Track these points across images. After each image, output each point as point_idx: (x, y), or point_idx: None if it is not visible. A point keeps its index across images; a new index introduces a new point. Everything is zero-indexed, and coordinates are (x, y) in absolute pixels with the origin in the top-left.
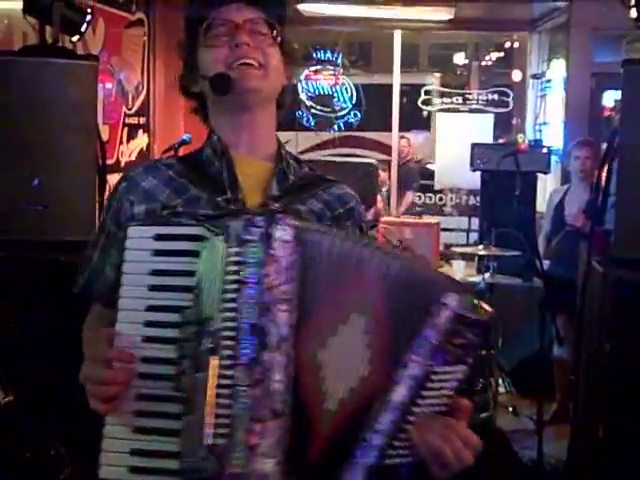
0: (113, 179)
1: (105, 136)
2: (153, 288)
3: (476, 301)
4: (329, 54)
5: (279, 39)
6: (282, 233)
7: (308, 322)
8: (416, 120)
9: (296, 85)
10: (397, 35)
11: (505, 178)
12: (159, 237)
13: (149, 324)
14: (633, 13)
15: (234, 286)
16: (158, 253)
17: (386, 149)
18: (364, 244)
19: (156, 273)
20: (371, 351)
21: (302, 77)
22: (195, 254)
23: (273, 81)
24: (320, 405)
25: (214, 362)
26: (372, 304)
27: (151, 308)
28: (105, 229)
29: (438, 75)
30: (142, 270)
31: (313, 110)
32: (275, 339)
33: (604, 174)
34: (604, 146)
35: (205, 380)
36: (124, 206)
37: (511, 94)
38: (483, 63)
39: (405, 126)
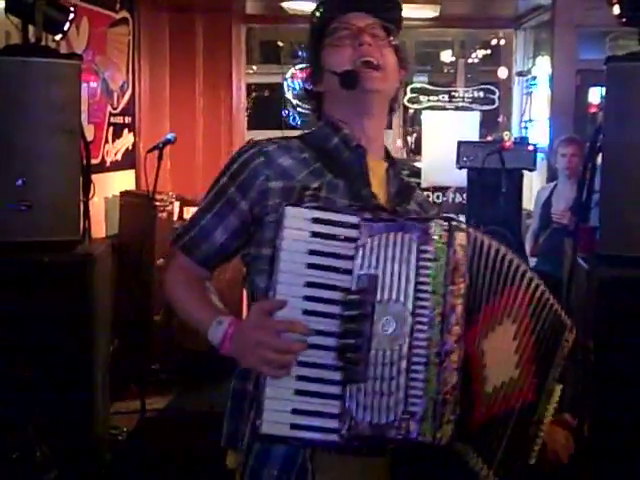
0: (98, 179)
1: (90, 136)
2: (311, 266)
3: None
4: None
5: (394, 43)
6: (461, 238)
7: (477, 315)
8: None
9: (281, 84)
10: None
11: (491, 176)
12: (317, 220)
13: (308, 298)
14: (616, 10)
15: (426, 279)
16: (315, 235)
17: None
18: (514, 253)
19: (313, 253)
20: (518, 356)
21: (288, 75)
22: (353, 240)
23: (391, 82)
24: (481, 386)
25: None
26: (521, 315)
27: (310, 284)
28: (226, 195)
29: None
30: (300, 249)
31: (299, 109)
32: (454, 327)
33: (589, 171)
34: (588, 143)
35: (395, 355)
36: (259, 179)
37: (497, 92)
38: (469, 60)
39: None
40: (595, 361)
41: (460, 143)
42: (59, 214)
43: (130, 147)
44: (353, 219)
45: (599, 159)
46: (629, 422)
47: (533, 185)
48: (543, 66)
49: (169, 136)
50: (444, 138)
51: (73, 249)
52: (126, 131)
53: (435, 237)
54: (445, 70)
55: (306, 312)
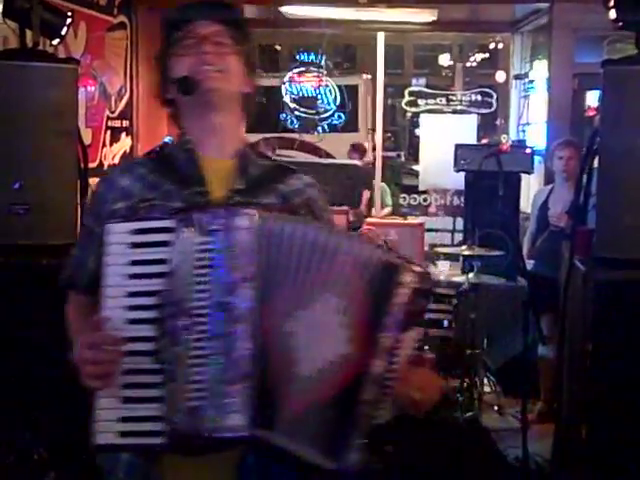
0: (96, 182)
1: (88, 139)
2: (132, 276)
3: (423, 272)
4: (312, 56)
5: (240, 49)
6: (242, 222)
7: (273, 298)
8: None
9: (279, 87)
10: (380, 37)
11: (489, 179)
12: (135, 231)
13: (130, 308)
14: (613, 14)
15: (204, 270)
16: (135, 245)
17: (315, 150)
18: (328, 230)
19: (135, 263)
20: (349, 331)
21: (286, 79)
22: (167, 244)
23: (233, 84)
24: (292, 369)
25: None
26: (347, 288)
27: (131, 294)
28: (87, 227)
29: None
30: (122, 261)
31: (297, 112)
32: (241, 313)
33: (585, 174)
34: (585, 146)
35: (182, 352)
36: (104, 205)
37: (495, 95)
38: (467, 64)
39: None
40: (592, 363)
41: (458, 146)
42: (56, 217)
43: (128, 150)
44: (167, 223)
45: (596, 162)
46: (626, 424)
47: (530, 188)
48: (540, 70)
49: (167, 139)
50: (442, 141)
51: (69, 252)
52: (124, 135)
53: (213, 226)
54: (443, 73)
55: (130, 321)
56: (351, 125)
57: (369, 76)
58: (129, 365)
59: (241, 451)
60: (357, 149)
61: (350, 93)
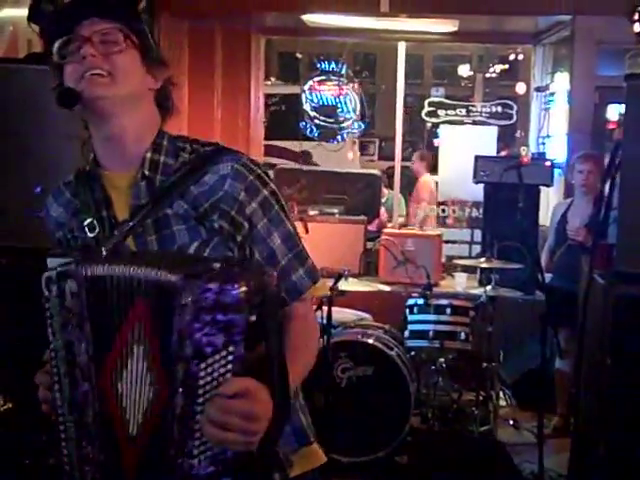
0: None
1: None
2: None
3: (224, 286)
4: (333, 65)
5: (136, 43)
6: (72, 286)
7: (105, 358)
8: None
9: (300, 95)
10: (401, 46)
11: (508, 191)
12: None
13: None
14: (636, 27)
15: (50, 334)
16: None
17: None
18: (142, 267)
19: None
20: (153, 374)
21: (306, 88)
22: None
23: (124, 87)
24: (125, 431)
25: None
26: (142, 329)
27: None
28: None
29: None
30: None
31: (317, 121)
32: (80, 381)
33: (607, 188)
34: (607, 160)
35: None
36: (52, 235)
37: (515, 107)
38: (487, 75)
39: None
40: (612, 378)
41: (477, 158)
42: None
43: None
44: (58, 263)
45: (618, 176)
46: None
47: (550, 201)
48: (561, 82)
49: None
50: (461, 152)
51: None
52: None
53: (47, 293)
54: (462, 84)
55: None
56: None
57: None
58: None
59: None
60: (424, 159)
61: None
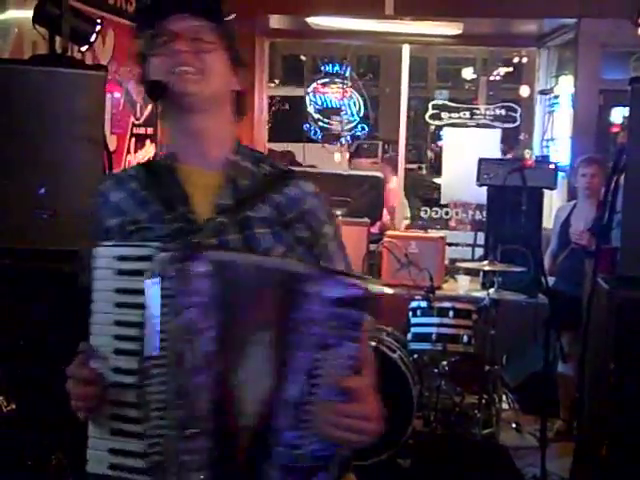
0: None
1: (113, 146)
2: (118, 305)
3: (345, 282)
4: (337, 67)
5: (224, 44)
6: (199, 266)
7: (225, 346)
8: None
9: (304, 97)
10: (405, 49)
11: (511, 193)
12: (121, 258)
13: (118, 337)
14: None
15: (165, 318)
16: (120, 272)
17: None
18: (269, 261)
19: (119, 291)
20: (271, 362)
21: (310, 90)
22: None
23: (212, 85)
24: (238, 422)
25: None
26: (268, 316)
27: (118, 323)
28: (92, 241)
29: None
30: (109, 288)
31: (320, 123)
32: (197, 364)
33: (611, 191)
34: (611, 163)
35: (149, 393)
36: (101, 220)
37: (519, 109)
38: (491, 78)
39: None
40: (615, 382)
41: (481, 160)
42: (80, 223)
43: (152, 158)
44: (146, 251)
45: (621, 179)
46: None
47: (553, 204)
48: (566, 85)
49: None
50: (465, 155)
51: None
52: (148, 142)
53: (169, 273)
54: (466, 87)
55: (117, 351)
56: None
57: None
58: (116, 397)
59: None
60: (390, 163)
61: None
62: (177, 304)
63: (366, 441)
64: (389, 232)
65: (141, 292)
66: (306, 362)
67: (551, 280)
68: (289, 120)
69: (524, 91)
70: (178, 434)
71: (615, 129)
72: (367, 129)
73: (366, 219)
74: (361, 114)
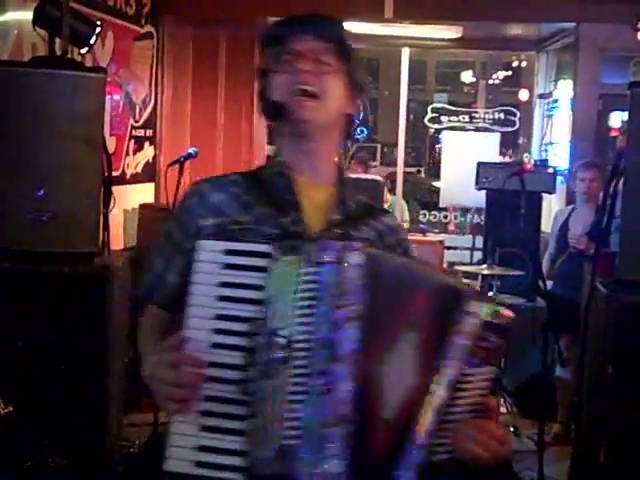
0: (117, 191)
1: (111, 148)
2: (222, 298)
3: (497, 308)
4: None
5: (344, 69)
6: (354, 258)
7: (371, 339)
8: None
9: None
10: (405, 52)
11: (510, 197)
12: (229, 252)
13: (217, 331)
14: None
15: (308, 302)
16: (227, 267)
17: None
18: (420, 267)
19: (225, 285)
20: (416, 362)
21: None
22: (263, 270)
23: (330, 111)
24: (379, 414)
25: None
26: (419, 319)
27: (219, 317)
28: (172, 239)
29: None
30: (211, 281)
31: None
32: (344, 353)
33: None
34: (609, 167)
35: (277, 386)
36: (194, 219)
37: (518, 113)
38: (490, 82)
39: None
40: (614, 386)
41: (480, 164)
42: (79, 225)
43: (150, 160)
44: (263, 247)
45: (620, 184)
46: None
47: (552, 208)
48: (565, 89)
49: (191, 150)
50: (464, 159)
51: (92, 261)
52: (147, 144)
53: (324, 258)
54: (465, 90)
55: (215, 345)
56: None
57: None
58: (211, 392)
59: None
60: (361, 162)
61: None
62: (329, 293)
63: (495, 461)
64: None
65: (252, 287)
66: (454, 373)
67: (549, 284)
68: None
69: (523, 95)
70: (320, 420)
71: (614, 133)
72: (366, 132)
73: None
74: (360, 117)
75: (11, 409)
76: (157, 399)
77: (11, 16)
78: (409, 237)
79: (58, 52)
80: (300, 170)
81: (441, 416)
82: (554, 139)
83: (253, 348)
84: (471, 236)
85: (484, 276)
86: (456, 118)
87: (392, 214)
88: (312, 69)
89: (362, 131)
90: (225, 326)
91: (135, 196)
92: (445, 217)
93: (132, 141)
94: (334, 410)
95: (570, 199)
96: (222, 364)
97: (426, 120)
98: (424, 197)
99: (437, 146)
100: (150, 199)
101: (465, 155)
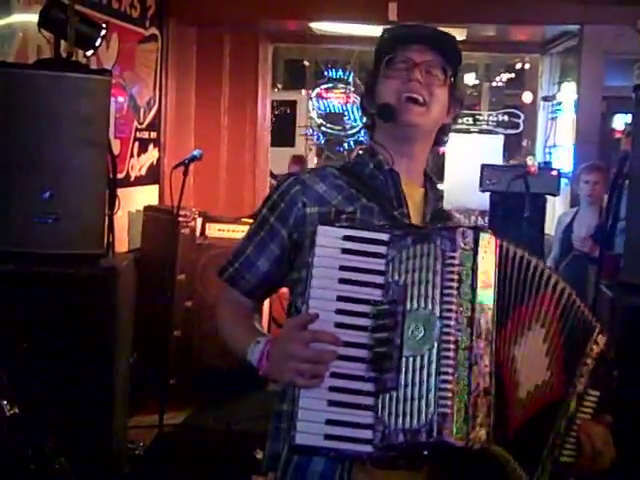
0: (122, 193)
1: (116, 150)
2: (342, 281)
3: (607, 338)
4: (341, 72)
5: (450, 82)
6: (488, 245)
7: (506, 320)
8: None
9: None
10: None
11: (514, 200)
12: (347, 238)
13: (340, 312)
14: None
15: (452, 284)
16: (346, 251)
17: None
18: (539, 259)
19: (345, 269)
20: (549, 359)
21: (313, 95)
22: (381, 256)
23: (433, 119)
24: (514, 391)
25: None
26: (550, 318)
27: (341, 298)
28: (267, 224)
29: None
30: (332, 265)
31: (323, 128)
32: (484, 331)
33: (614, 198)
34: (614, 170)
35: (425, 361)
36: (296, 207)
37: (521, 116)
38: (494, 84)
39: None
40: (618, 389)
41: (484, 166)
42: (84, 227)
43: (155, 162)
44: (383, 236)
45: (625, 186)
46: None
47: (556, 210)
48: (568, 91)
49: (195, 152)
50: (467, 161)
51: (97, 262)
52: (151, 146)
53: (461, 244)
54: (469, 93)
55: (338, 325)
56: (289, 140)
57: (305, 91)
58: (337, 369)
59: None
60: (298, 161)
61: (290, 108)
62: (470, 275)
63: (602, 469)
64: None
65: (373, 272)
66: (582, 387)
67: None
68: (291, 124)
69: (527, 97)
70: (468, 390)
71: (618, 135)
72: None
73: None
74: (364, 119)
75: (16, 410)
76: (281, 375)
77: (16, 18)
78: None
79: (63, 54)
80: (399, 169)
81: (570, 422)
82: (558, 141)
83: (385, 326)
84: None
85: None
86: (460, 120)
87: (458, 215)
88: (423, 79)
89: (366, 133)
90: (347, 307)
91: (139, 198)
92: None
93: (136, 143)
94: (479, 382)
95: (574, 201)
96: (347, 343)
97: None
98: None
99: (440, 149)
100: (154, 201)
101: (469, 157)
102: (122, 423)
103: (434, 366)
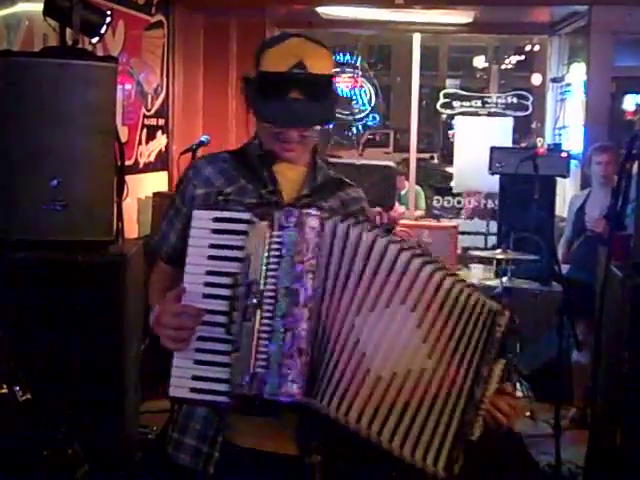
0: (131, 180)
1: (124, 137)
2: (211, 257)
3: (509, 311)
4: (348, 57)
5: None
6: (311, 222)
7: (335, 292)
8: None
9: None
10: (416, 38)
11: (524, 182)
12: (217, 219)
13: (207, 284)
14: None
15: (275, 259)
16: (216, 231)
17: None
18: (390, 238)
19: (214, 246)
20: (430, 346)
21: None
22: (244, 233)
23: (309, 148)
24: (360, 360)
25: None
26: (425, 306)
27: (209, 273)
28: (174, 204)
29: None
30: (203, 244)
31: None
32: (302, 299)
33: (624, 179)
34: (624, 151)
35: (251, 327)
36: (189, 187)
37: (531, 98)
38: (503, 66)
39: None
40: (629, 369)
41: (493, 149)
42: (93, 214)
43: (163, 149)
44: (245, 215)
45: (635, 166)
46: None
47: (566, 192)
48: (577, 73)
49: (203, 138)
50: (477, 144)
51: (106, 249)
52: (159, 133)
53: (284, 223)
54: (478, 75)
55: (205, 296)
56: None
57: None
58: (202, 333)
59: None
60: None
61: None
62: (291, 251)
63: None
64: (402, 221)
65: (235, 248)
66: (487, 370)
67: (565, 268)
68: None
69: (536, 79)
70: (282, 352)
71: (628, 116)
72: (378, 118)
73: (378, 208)
74: (372, 104)
75: (29, 396)
76: (161, 340)
77: (22, 7)
78: (424, 223)
79: (69, 42)
80: (279, 155)
81: (477, 407)
82: (567, 123)
83: (235, 297)
84: (485, 221)
85: (499, 261)
86: (469, 103)
87: (357, 188)
88: (297, 140)
89: (374, 117)
90: (213, 280)
91: (148, 185)
92: (459, 202)
93: (144, 130)
94: (294, 345)
95: (584, 183)
96: (210, 310)
97: (438, 106)
98: (437, 183)
99: (450, 132)
100: (163, 187)
101: (478, 140)
102: (134, 408)
103: (256, 331)
